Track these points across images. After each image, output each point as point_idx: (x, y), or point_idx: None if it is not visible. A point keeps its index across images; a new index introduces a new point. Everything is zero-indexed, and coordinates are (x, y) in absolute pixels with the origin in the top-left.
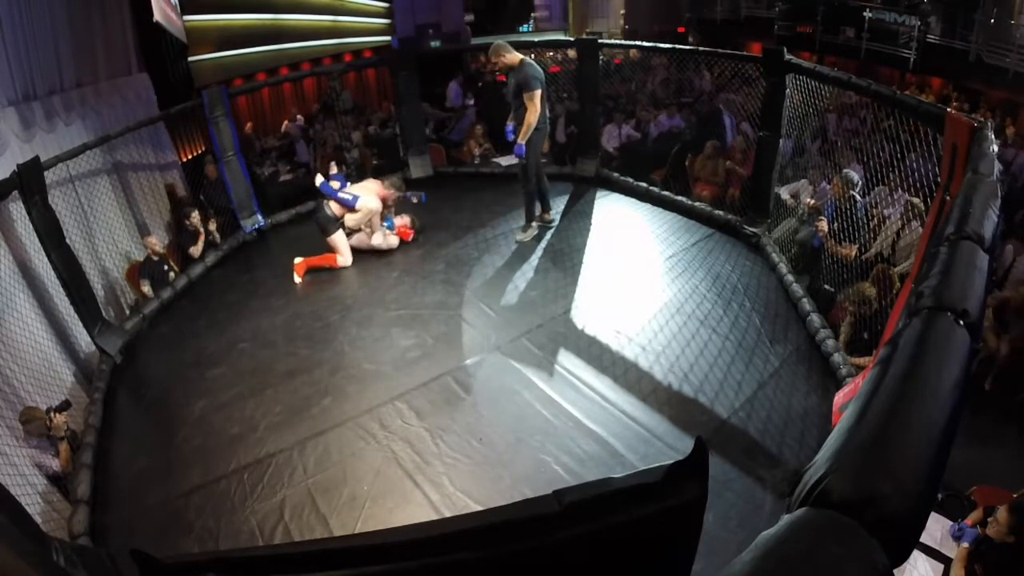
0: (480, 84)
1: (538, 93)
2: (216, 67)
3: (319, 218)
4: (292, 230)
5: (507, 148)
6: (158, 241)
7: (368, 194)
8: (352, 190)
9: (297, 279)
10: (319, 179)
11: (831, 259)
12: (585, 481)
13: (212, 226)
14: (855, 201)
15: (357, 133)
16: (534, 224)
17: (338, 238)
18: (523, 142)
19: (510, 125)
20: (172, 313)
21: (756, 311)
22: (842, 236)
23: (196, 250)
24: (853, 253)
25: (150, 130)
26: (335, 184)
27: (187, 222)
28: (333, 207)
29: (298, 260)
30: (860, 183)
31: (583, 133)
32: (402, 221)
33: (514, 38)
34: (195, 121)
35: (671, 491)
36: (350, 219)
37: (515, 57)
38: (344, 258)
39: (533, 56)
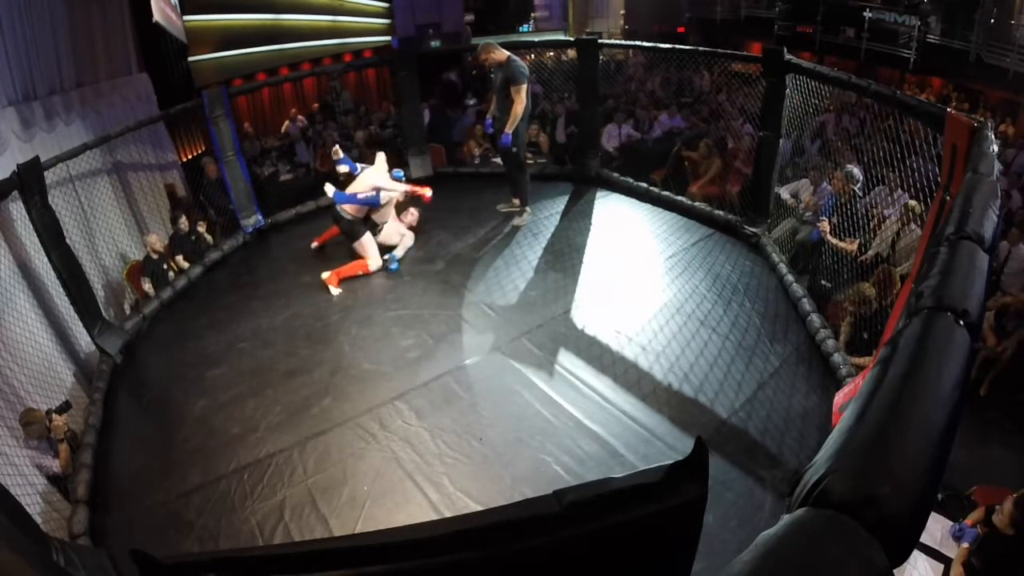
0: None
1: (525, 86)
2: (216, 67)
3: (343, 225)
4: (292, 230)
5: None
6: (159, 239)
7: (377, 178)
8: (365, 179)
9: (335, 291)
10: (330, 189)
11: (831, 255)
12: (585, 481)
13: (202, 228)
14: (856, 197)
15: (361, 133)
16: (528, 208)
17: (367, 241)
18: (510, 132)
19: (489, 119)
20: (172, 313)
21: (756, 311)
22: (843, 232)
23: (182, 261)
24: (855, 248)
25: (150, 130)
26: (343, 168)
27: (177, 226)
28: (350, 209)
29: (326, 274)
30: (861, 180)
31: (583, 133)
32: (412, 217)
33: (514, 38)
34: (195, 121)
35: (671, 491)
36: (381, 214)
37: (502, 54)
38: (374, 261)
39: (533, 56)
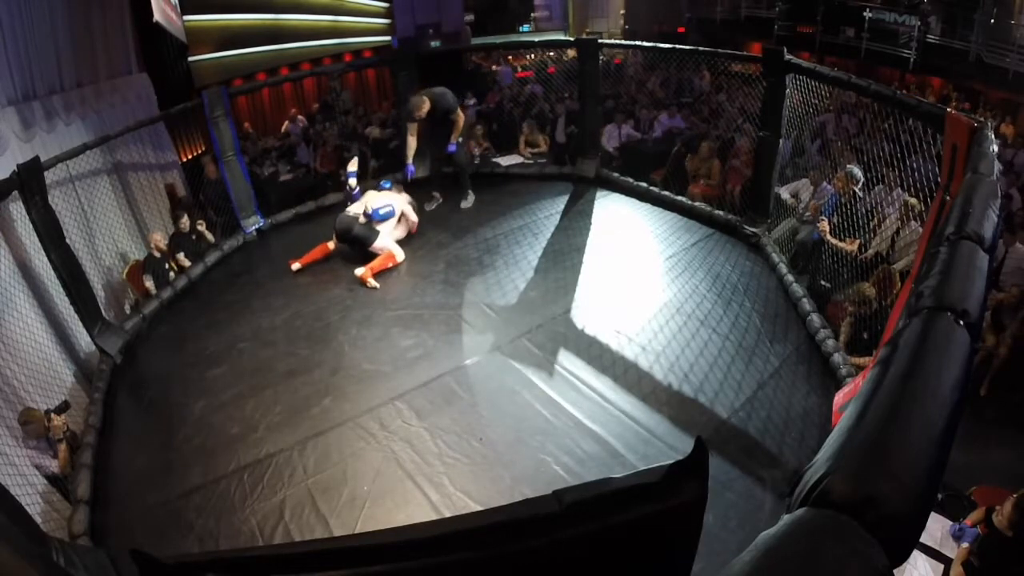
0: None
1: (459, 109)
2: (216, 67)
3: (356, 233)
4: (292, 230)
5: (506, 148)
6: (163, 237)
7: (390, 201)
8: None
9: (375, 284)
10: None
11: (831, 255)
12: (585, 481)
13: (201, 226)
14: (858, 197)
15: (377, 130)
16: (470, 194)
17: (383, 240)
18: (456, 142)
19: (412, 166)
20: (172, 313)
21: (756, 311)
22: (844, 232)
23: (183, 259)
24: (855, 248)
25: (150, 130)
26: (352, 182)
27: (178, 225)
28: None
29: (360, 270)
30: (862, 180)
31: (583, 133)
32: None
33: (514, 38)
34: (195, 121)
35: (671, 491)
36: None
37: (427, 104)
38: (400, 253)
39: (533, 55)
